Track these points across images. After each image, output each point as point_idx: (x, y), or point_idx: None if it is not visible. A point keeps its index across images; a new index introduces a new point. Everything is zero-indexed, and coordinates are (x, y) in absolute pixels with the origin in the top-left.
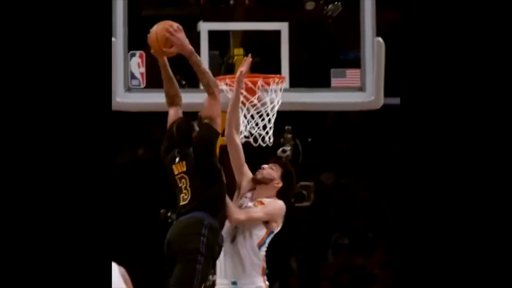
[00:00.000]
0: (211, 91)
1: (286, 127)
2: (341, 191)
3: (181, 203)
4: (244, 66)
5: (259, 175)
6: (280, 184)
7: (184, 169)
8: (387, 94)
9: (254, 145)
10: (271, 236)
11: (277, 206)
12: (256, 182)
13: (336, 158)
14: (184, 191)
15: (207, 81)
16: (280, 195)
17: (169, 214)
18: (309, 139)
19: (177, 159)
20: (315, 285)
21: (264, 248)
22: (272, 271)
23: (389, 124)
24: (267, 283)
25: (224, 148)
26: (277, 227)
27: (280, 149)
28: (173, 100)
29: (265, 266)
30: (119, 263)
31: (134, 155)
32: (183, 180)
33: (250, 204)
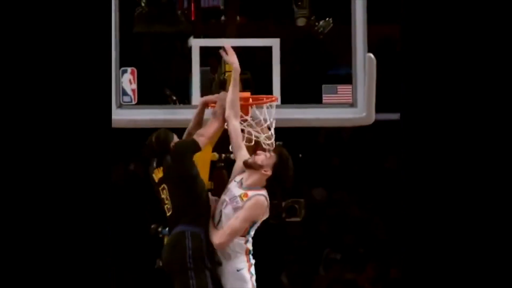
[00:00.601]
0: (215, 115)
1: (277, 143)
2: (333, 206)
3: (167, 215)
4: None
5: (250, 159)
6: (269, 173)
7: (161, 175)
8: (379, 109)
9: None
10: (256, 225)
11: (254, 206)
12: (246, 166)
13: (327, 173)
14: (166, 201)
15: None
16: (274, 183)
17: (159, 229)
18: (300, 155)
19: (154, 165)
20: None
21: (249, 236)
22: (263, 286)
23: (381, 139)
24: (252, 261)
25: None
26: (261, 219)
27: None
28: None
29: (249, 248)
30: (111, 276)
31: (126, 170)
32: (164, 190)
33: (236, 192)
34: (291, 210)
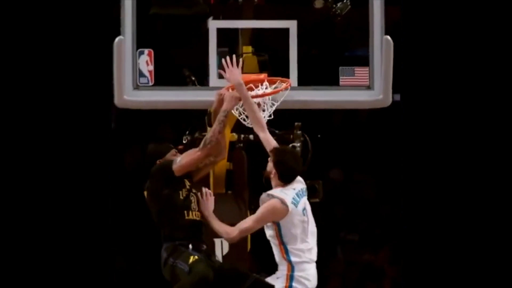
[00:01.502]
0: (204, 144)
1: (296, 124)
2: (350, 187)
3: None
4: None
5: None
6: (274, 172)
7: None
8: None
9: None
10: (286, 223)
11: (265, 209)
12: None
13: (345, 154)
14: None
15: (209, 135)
16: (287, 176)
17: None
18: (319, 136)
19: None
20: (324, 282)
21: (289, 235)
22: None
23: (399, 121)
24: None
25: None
26: (281, 219)
27: (290, 146)
28: None
29: (292, 263)
30: (124, 261)
31: (143, 151)
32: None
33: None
34: (311, 191)
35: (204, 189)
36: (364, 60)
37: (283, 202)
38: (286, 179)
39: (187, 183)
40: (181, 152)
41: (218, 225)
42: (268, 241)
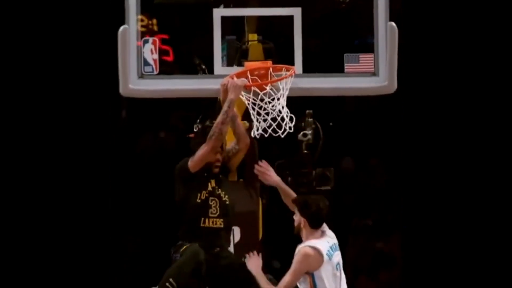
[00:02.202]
0: (209, 137)
1: (307, 111)
2: (362, 175)
3: None
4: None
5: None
6: (303, 220)
7: None
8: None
9: (274, 135)
10: (320, 274)
11: (299, 259)
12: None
13: (357, 142)
14: None
15: (213, 131)
16: (315, 219)
17: None
18: (331, 123)
19: None
20: None
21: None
22: (292, 258)
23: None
24: None
25: None
26: (315, 269)
27: (301, 133)
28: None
29: None
30: (137, 245)
31: (155, 139)
32: None
33: None
34: (323, 178)
35: (252, 253)
36: (369, 47)
37: (316, 249)
38: (316, 224)
39: (211, 185)
40: (191, 140)
41: (264, 284)
42: (279, 230)
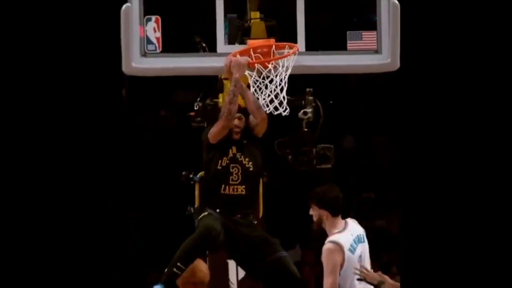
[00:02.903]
0: (220, 116)
1: (307, 89)
2: (363, 152)
3: None
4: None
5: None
6: (323, 212)
7: None
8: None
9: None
10: (344, 275)
11: (325, 258)
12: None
13: (357, 119)
14: None
15: (222, 111)
16: (334, 207)
17: (191, 175)
18: (331, 102)
19: None
20: None
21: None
22: (293, 235)
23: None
24: None
25: None
26: (342, 260)
27: (302, 111)
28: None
29: None
30: (140, 224)
31: (156, 117)
32: None
33: None
34: (323, 157)
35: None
36: (371, 24)
37: (338, 244)
38: (336, 211)
39: (232, 151)
40: (192, 118)
41: None
42: (280, 208)
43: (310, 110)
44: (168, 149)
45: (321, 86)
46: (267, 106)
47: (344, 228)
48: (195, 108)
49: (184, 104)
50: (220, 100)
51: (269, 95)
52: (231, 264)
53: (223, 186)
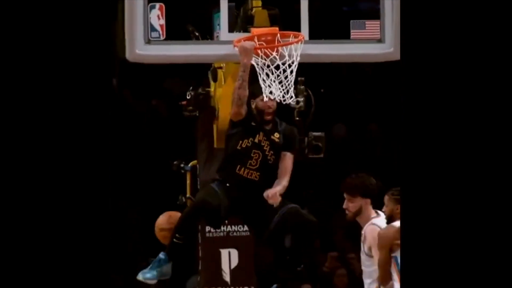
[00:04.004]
0: (232, 103)
1: (299, 78)
2: (354, 141)
3: None
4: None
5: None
6: (368, 202)
7: None
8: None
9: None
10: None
11: (372, 236)
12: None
13: (349, 108)
14: None
15: (233, 96)
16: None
17: (182, 165)
18: (322, 90)
19: None
20: (329, 234)
21: None
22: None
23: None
24: None
25: None
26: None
27: (294, 100)
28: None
29: None
30: (132, 212)
31: (148, 106)
32: None
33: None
34: (315, 148)
35: None
36: (375, 13)
37: (379, 226)
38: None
39: (258, 137)
40: (183, 107)
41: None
42: None
43: (301, 99)
44: (159, 138)
45: (313, 75)
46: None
47: (379, 215)
48: (187, 97)
49: (176, 93)
50: (212, 89)
51: (280, 83)
52: (224, 253)
53: (238, 166)
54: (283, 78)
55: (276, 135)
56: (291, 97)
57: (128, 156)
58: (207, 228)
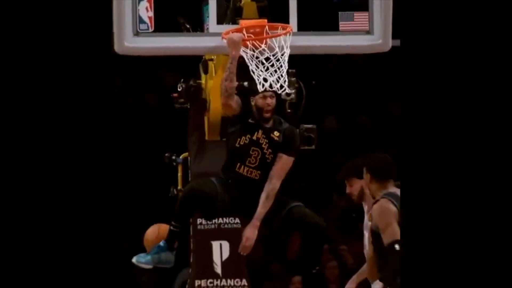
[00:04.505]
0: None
1: (290, 70)
2: (345, 133)
3: None
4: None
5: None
6: (365, 181)
7: None
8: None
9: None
10: None
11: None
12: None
13: (340, 100)
14: None
15: (220, 88)
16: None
17: (173, 157)
18: (313, 82)
19: None
20: None
21: None
22: None
23: (395, 66)
24: None
25: None
26: None
27: (284, 93)
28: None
29: None
30: (125, 206)
31: (141, 99)
32: None
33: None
34: (307, 140)
35: None
36: (363, 5)
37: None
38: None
39: (257, 135)
40: (175, 99)
41: None
42: None
43: (292, 91)
44: (151, 130)
45: (304, 67)
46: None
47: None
48: (178, 90)
49: (167, 85)
50: (203, 81)
51: (270, 74)
52: (215, 245)
53: (238, 164)
54: (277, 69)
55: (276, 133)
56: (282, 87)
57: (120, 148)
58: (198, 221)
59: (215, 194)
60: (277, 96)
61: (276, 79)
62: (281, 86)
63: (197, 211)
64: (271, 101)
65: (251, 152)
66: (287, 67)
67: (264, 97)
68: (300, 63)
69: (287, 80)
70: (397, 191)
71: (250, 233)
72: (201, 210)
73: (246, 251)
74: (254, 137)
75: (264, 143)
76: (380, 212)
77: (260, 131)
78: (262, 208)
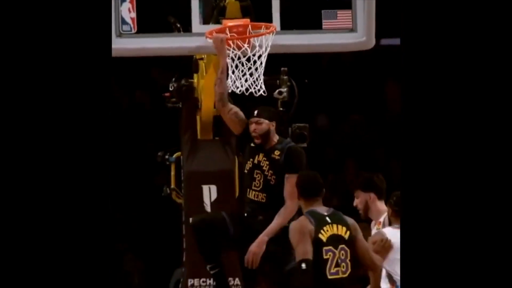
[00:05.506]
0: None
1: (282, 69)
2: (337, 131)
3: None
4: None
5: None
6: (370, 196)
7: None
8: (382, 35)
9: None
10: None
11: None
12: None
13: (332, 98)
14: None
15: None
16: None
17: (166, 156)
18: (306, 80)
19: None
20: None
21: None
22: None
23: (384, 64)
24: None
25: None
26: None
27: (277, 91)
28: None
29: None
30: (117, 204)
31: (131, 98)
32: None
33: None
34: (300, 137)
35: None
36: (346, 3)
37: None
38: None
39: (258, 158)
40: (167, 99)
41: None
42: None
43: (285, 89)
44: (143, 130)
45: (296, 65)
46: (243, 86)
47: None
48: (170, 89)
49: (159, 84)
50: (195, 80)
51: (245, 75)
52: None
53: (248, 190)
54: (253, 70)
55: (277, 152)
56: (260, 89)
57: (111, 148)
58: (190, 220)
59: (224, 219)
60: (269, 119)
61: (253, 82)
62: (258, 90)
63: (213, 242)
64: (256, 127)
65: (255, 176)
66: (263, 68)
67: (251, 123)
68: (292, 61)
69: (262, 81)
70: (322, 209)
71: (257, 248)
72: (217, 236)
73: (251, 265)
74: (256, 161)
75: (265, 165)
76: (292, 229)
77: (261, 154)
78: (273, 224)
